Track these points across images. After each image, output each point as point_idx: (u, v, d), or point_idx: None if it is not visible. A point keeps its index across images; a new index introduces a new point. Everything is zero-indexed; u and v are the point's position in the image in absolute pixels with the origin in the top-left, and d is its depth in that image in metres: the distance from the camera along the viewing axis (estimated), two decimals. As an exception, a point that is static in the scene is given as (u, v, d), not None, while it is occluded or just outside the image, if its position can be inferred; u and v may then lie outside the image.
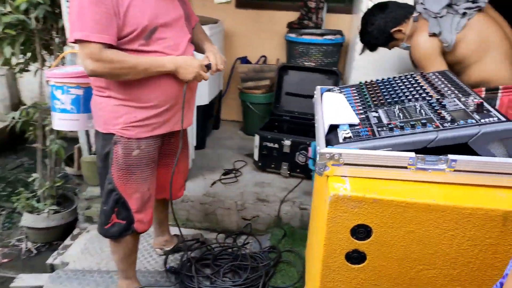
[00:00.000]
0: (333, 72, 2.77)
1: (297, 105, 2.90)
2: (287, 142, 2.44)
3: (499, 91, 1.61)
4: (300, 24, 3.05)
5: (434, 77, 1.39)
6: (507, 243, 0.96)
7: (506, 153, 0.99)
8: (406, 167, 1.00)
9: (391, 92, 1.30)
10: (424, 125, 1.04)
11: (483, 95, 1.65)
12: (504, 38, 1.70)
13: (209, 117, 3.05)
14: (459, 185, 1.00)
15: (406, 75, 1.44)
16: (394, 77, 1.44)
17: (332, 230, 1.00)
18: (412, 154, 0.99)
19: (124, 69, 1.32)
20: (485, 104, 1.06)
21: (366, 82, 1.47)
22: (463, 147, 0.99)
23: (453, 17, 1.71)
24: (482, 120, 1.00)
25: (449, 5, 1.75)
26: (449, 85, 1.29)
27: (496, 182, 0.99)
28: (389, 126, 1.07)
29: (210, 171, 2.58)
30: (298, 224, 2.23)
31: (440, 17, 1.73)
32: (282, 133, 2.69)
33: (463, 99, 1.16)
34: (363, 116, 1.19)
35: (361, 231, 0.98)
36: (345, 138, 1.07)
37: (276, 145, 2.48)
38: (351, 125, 1.14)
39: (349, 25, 3.18)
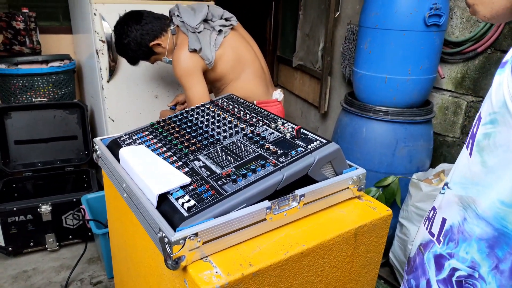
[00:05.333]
0: (75, 105, 2.31)
1: (38, 154, 2.27)
2: (47, 208, 1.86)
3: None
4: (8, 51, 2.35)
5: (226, 103, 1.31)
6: (358, 254, 1.01)
7: (334, 172, 1.03)
8: (265, 219, 0.88)
9: (199, 131, 1.13)
10: (263, 166, 0.93)
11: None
12: (255, 57, 1.83)
13: None
14: (306, 217, 0.97)
15: (198, 107, 1.30)
16: (187, 111, 1.28)
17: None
18: (268, 203, 0.87)
19: None
20: (302, 129, 1.06)
21: (158, 121, 1.23)
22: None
23: (210, 33, 1.70)
24: (309, 147, 0.99)
25: (205, 21, 1.72)
26: (247, 111, 1.24)
27: (336, 200, 1.01)
28: (230, 176, 0.90)
29: None
30: (96, 304, 1.76)
31: (199, 32, 1.68)
32: (32, 197, 2.03)
33: (272, 125, 1.13)
34: (187, 169, 0.97)
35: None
36: (189, 208, 0.83)
37: (30, 216, 1.84)
38: (183, 187, 0.90)
39: (73, 47, 2.74)
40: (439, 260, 0.70)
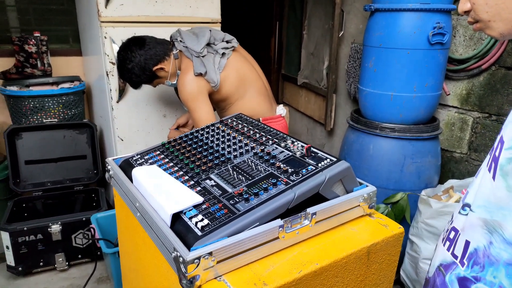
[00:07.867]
0: (85, 125, 2.34)
1: (47, 174, 2.29)
2: (56, 227, 1.87)
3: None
4: (20, 73, 2.41)
5: (235, 123, 1.33)
6: (371, 273, 1.01)
7: (344, 190, 1.03)
8: (278, 238, 0.88)
9: (210, 150, 1.15)
10: (274, 185, 0.95)
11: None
12: (257, 75, 1.87)
13: None
14: (318, 235, 0.98)
15: (208, 126, 1.32)
16: (197, 131, 1.30)
17: None
18: (280, 222, 0.88)
19: None
20: (311, 147, 1.08)
21: (169, 141, 1.25)
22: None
23: (214, 56, 1.74)
24: (320, 165, 1.00)
25: (208, 44, 1.77)
26: (256, 130, 1.26)
27: (347, 218, 1.02)
28: (243, 195, 0.92)
29: None
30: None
31: (203, 56, 1.72)
32: (41, 217, 2.04)
33: (282, 144, 1.14)
34: (199, 188, 0.98)
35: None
36: (203, 227, 0.83)
37: (40, 236, 1.86)
38: (196, 207, 0.91)
39: (83, 69, 2.80)
40: (464, 283, 0.69)
